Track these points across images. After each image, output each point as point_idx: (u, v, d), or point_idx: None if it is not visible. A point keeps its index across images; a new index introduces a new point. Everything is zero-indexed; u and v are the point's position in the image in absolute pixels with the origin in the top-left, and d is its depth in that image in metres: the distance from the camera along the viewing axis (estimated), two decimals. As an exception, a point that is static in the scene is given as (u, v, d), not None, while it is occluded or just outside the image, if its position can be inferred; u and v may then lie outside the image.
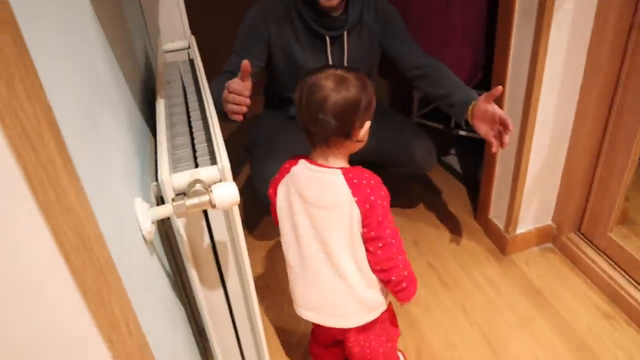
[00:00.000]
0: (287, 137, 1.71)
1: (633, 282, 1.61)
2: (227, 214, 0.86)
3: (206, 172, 0.80)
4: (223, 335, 1.05)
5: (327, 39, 1.61)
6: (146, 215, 0.72)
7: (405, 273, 1.06)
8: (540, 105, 1.53)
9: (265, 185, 1.33)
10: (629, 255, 1.62)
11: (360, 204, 0.99)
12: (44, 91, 0.44)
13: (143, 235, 0.71)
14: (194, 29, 1.70)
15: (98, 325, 0.49)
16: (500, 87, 1.30)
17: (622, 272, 1.65)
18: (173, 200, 0.73)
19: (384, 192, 1.01)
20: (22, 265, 0.42)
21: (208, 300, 0.94)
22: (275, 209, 1.13)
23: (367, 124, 1.00)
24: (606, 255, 1.71)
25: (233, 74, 1.43)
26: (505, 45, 1.57)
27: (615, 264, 1.68)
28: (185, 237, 0.84)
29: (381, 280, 1.10)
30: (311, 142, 1.03)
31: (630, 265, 1.63)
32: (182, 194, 0.79)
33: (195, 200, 0.73)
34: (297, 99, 0.99)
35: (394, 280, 1.06)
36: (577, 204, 1.76)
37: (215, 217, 0.86)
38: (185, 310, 1.04)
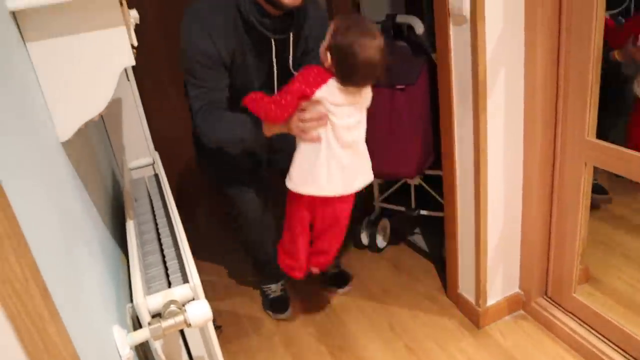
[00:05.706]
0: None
1: (604, 339, 1.66)
2: (202, 329, 0.89)
3: (179, 292, 0.84)
4: None
5: (273, 41, 1.55)
6: (124, 342, 0.75)
7: None
8: (489, 169, 1.65)
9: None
10: (596, 314, 1.69)
11: None
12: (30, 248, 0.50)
13: (123, 362, 0.74)
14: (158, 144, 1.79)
15: None
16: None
17: (592, 330, 1.70)
18: (149, 323, 0.77)
19: None
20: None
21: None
22: None
23: None
24: (574, 315, 1.77)
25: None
26: (448, 126, 1.71)
27: (585, 323, 1.73)
28: (163, 358, 0.86)
29: None
30: None
31: (597, 322, 1.68)
32: (157, 314, 0.82)
33: (171, 322, 0.77)
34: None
35: None
36: (539, 270, 1.84)
37: (191, 333, 0.89)
38: None
